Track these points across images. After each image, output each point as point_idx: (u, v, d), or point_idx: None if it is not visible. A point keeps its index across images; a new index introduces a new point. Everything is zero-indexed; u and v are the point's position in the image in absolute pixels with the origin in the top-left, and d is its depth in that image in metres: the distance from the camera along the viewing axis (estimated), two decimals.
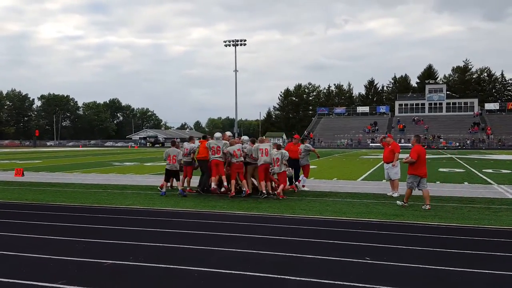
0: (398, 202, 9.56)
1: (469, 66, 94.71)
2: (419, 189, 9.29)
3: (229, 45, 62.07)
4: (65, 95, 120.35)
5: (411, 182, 9.25)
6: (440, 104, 77.22)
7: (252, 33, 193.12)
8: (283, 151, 10.81)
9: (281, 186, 10.55)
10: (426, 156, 9.66)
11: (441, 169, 20.12)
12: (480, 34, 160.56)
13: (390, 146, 11.25)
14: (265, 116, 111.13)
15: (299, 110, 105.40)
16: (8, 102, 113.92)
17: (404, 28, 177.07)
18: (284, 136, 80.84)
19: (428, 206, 9.02)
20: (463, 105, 76.80)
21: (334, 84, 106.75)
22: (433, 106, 77.52)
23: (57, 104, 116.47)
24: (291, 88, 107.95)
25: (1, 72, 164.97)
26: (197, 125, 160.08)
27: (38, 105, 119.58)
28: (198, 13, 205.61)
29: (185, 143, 11.86)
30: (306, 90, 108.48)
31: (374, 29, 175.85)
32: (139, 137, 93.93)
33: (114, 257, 5.41)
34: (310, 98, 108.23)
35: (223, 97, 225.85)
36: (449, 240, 6.36)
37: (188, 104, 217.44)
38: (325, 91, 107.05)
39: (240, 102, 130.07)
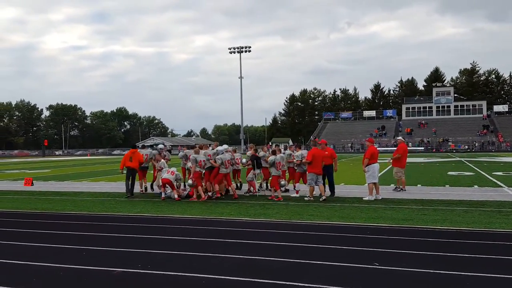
0: (305, 197, 10.94)
1: (477, 68, 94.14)
2: (316, 185, 10.80)
3: (234, 52, 62.38)
4: (73, 105, 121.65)
5: (311, 179, 10.76)
6: (448, 107, 76.79)
7: (255, 39, 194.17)
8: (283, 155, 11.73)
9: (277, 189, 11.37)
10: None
11: (450, 173, 19.94)
12: (485, 35, 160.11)
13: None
14: (271, 122, 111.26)
15: (305, 115, 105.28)
16: (17, 113, 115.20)
17: (407, 31, 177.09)
18: (290, 142, 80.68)
19: (324, 197, 10.69)
20: (471, 107, 76.26)
21: (340, 89, 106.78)
22: (440, 109, 77.10)
23: (65, 113, 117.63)
24: (297, 93, 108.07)
25: (8, 83, 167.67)
26: (203, 132, 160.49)
27: (47, 115, 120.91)
28: (200, 21, 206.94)
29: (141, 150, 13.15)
30: (311, 95, 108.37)
31: (377, 32, 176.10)
32: (146, 145, 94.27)
33: (123, 265, 5.41)
34: (316, 103, 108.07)
35: (228, 104, 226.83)
36: (459, 244, 6.29)
37: (193, 112, 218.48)
38: (330, 96, 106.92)
39: (245, 108, 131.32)
